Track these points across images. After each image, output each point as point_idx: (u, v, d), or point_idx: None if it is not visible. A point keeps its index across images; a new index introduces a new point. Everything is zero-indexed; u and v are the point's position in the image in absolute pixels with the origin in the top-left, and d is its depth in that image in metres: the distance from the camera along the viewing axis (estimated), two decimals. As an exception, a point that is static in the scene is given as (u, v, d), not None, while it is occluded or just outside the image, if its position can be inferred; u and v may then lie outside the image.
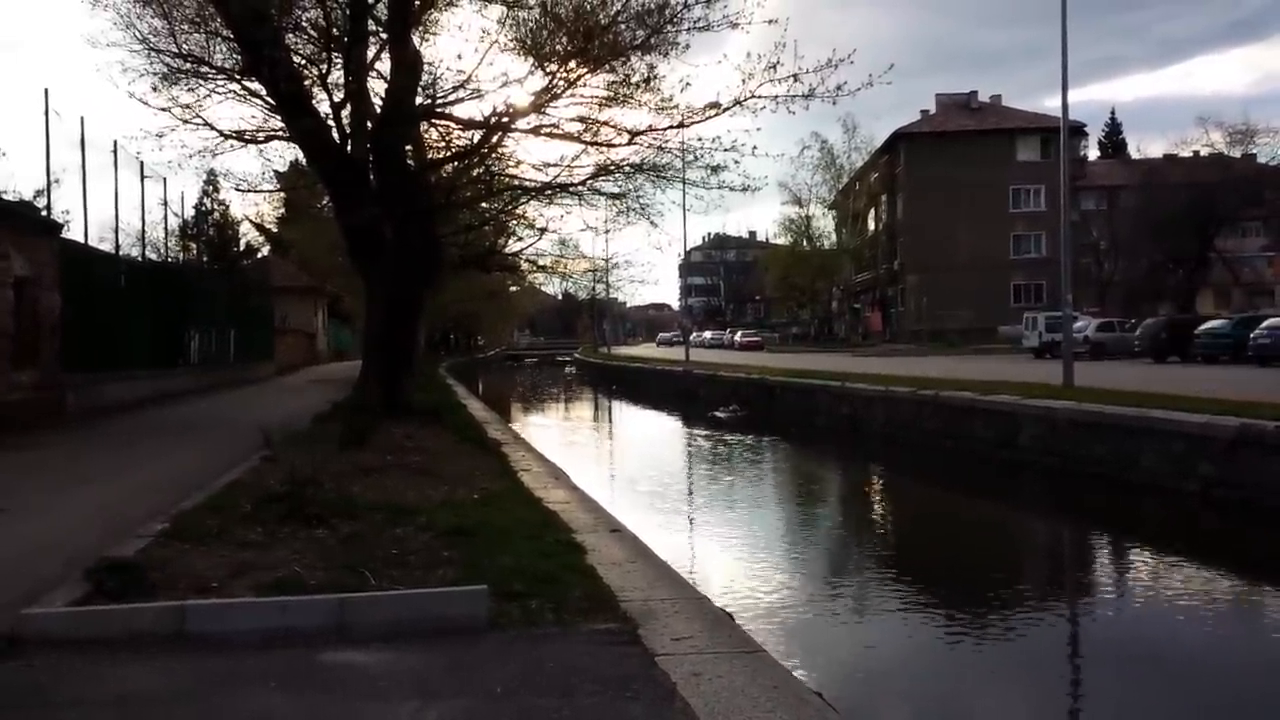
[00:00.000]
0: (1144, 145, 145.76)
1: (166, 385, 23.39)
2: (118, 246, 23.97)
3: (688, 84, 15.47)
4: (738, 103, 15.10)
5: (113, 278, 21.21)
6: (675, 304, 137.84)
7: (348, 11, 15.60)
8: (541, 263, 31.93)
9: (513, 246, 29.77)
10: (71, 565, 6.10)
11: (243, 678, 4.46)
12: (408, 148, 17.41)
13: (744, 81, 14.80)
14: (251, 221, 53.06)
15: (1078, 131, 60.98)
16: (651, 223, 21.28)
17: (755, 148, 16.07)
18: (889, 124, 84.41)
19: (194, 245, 42.32)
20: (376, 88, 16.70)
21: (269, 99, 16.37)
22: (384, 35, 16.16)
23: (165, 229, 31.17)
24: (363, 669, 4.58)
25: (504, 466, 11.64)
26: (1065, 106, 21.67)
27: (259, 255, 54.51)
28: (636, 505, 15.32)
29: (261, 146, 19.27)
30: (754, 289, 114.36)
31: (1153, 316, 43.37)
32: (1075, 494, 16.08)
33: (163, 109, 17.27)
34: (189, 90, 17.39)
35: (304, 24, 16.38)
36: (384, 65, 16.62)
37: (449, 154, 18.76)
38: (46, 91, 19.25)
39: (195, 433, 16.15)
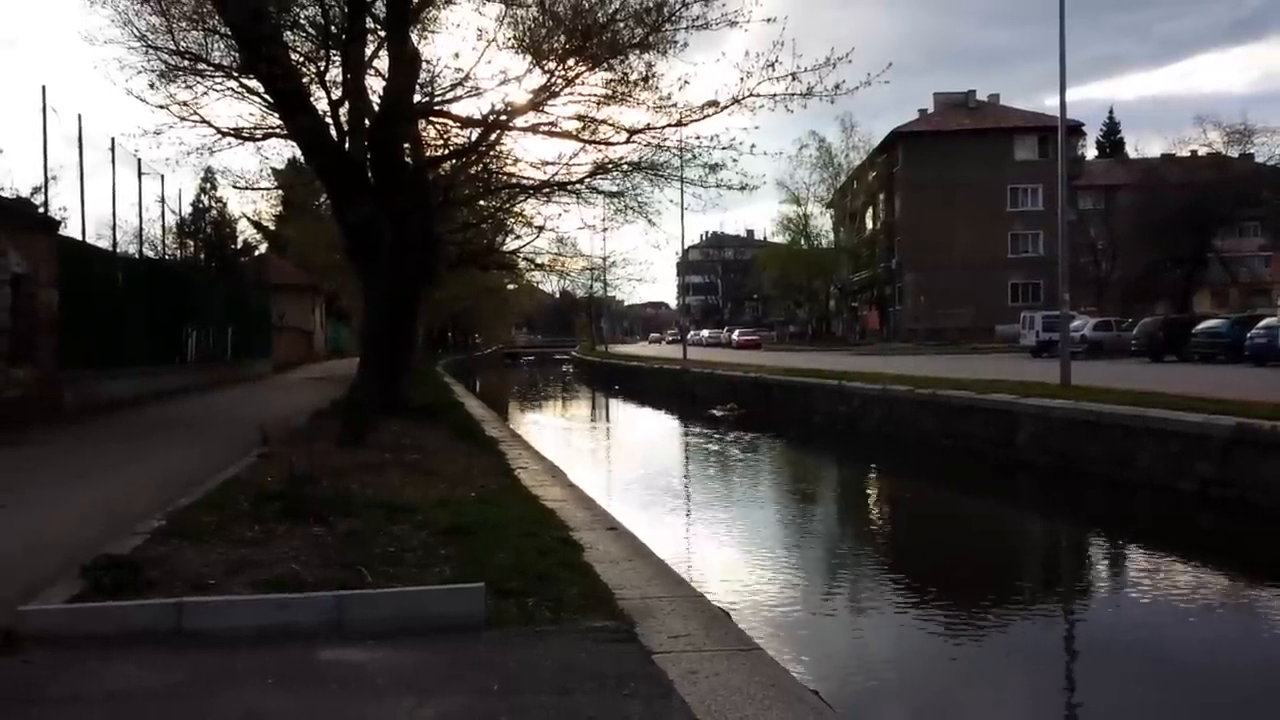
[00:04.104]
0: (1142, 145, 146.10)
1: (164, 382, 23.36)
2: (115, 244, 23.92)
3: (686, 82, 15.48)
4: (736, 101, 15.09)
5: (110, 275, 21.16)
6: (673, 302, 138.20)
7: (346, 9, 15.55)
8: (539, 261, 32.02)
9: (511, 244, 29.84)
10: (69, 562, 6.09)
11: (239, 675, 4.46)
12: (406, 145, 17.40)
13: (742, 80, 14.80)
14: (249, 219, 52.95)
15: (1075, 131, 60.96)
16: (649, 221, 21.33)
17: (753, 146, 16.10)
18: (887, 123, 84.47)
19: (191, 243, 42.19)
20: (375, 85, 16.67)
21: (267, 96, 16.33)
22: (382, 33, 16.12)
23: (163, 226, 31.07)
24: (360, 666, 4.57)
25: (501, 464, 11.63)
26: (1063, 105, 21.71)
27: (256, 253, 54.40)
28: (634, 503, 15.33)
29: (259, 144, 19.25)
30: (751, 288, 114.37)
31: (1150, 316, 43.41)
32: (1072, 493, 16.09)
33: (160, 106, 17.25)
34: (187, 87, 17.37)
35: (302, 21, 16.34)
36: (382, 63, 16.59)
37: (447, 152, 18.75)
38: (44, 88, 19.28)
39: (193, 430, 16.14)
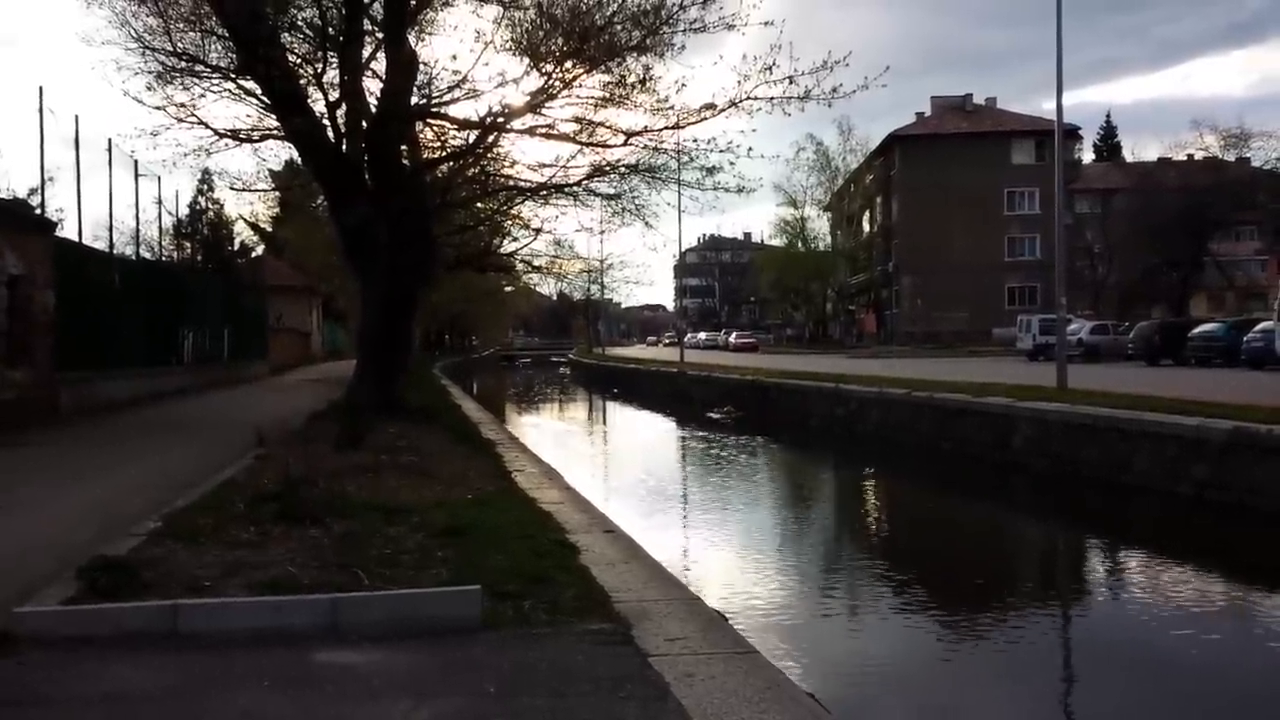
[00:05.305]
0: (1139, 148, 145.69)
1: (161, 384, 23.34)
2: (112, 245, 23.96)
3: (683, 85, 15.48)
4: (733, 104, 15.10)
5: (107, 276, 21.14)
6: (670, 305, 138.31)
7: (343, 11, 15.57)
8: (536, 263, 32.03)
9: (508, 247, 29.85)
10: (64, 564, 6.08)
11: (235, 677, 4.45)
12: (403, 147, 17.40)
13: (740, 83, 14.81)
14: (246, 220, 53.02)
15: (1072, 135, 61.05)
16: (647, 224, 21.31)
17: (750, 149, 16.09)
18: (885, 125, 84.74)
19: (188, 244, 42.23)
20: (372, 87, 16.68)
21: (264, 98, 16.34)
22: (379, 35, 16.13)
23: (159, 228, 31.16)
24: (356, 668, 4.57)
25: (498, 467, 11.63)
26: (1060, 109, 21.78)
27: (253, 254, 54.46)
28: (631, 506, 15.33)
29: (256, 145, 19.22)
30: (749, 290, 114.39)
31: (1146, 319, 43.48)
32: (1069, 496, 16.10)
33: (157, 107, 17.23)
34: (184, 89, 17.35)
35: (299, 23, 16.35)
36: (379, 65, 16.59)
37: (444, 154, 18.74)
38: (41, 89, 19.29)
39: (189, 432, 16.12)
